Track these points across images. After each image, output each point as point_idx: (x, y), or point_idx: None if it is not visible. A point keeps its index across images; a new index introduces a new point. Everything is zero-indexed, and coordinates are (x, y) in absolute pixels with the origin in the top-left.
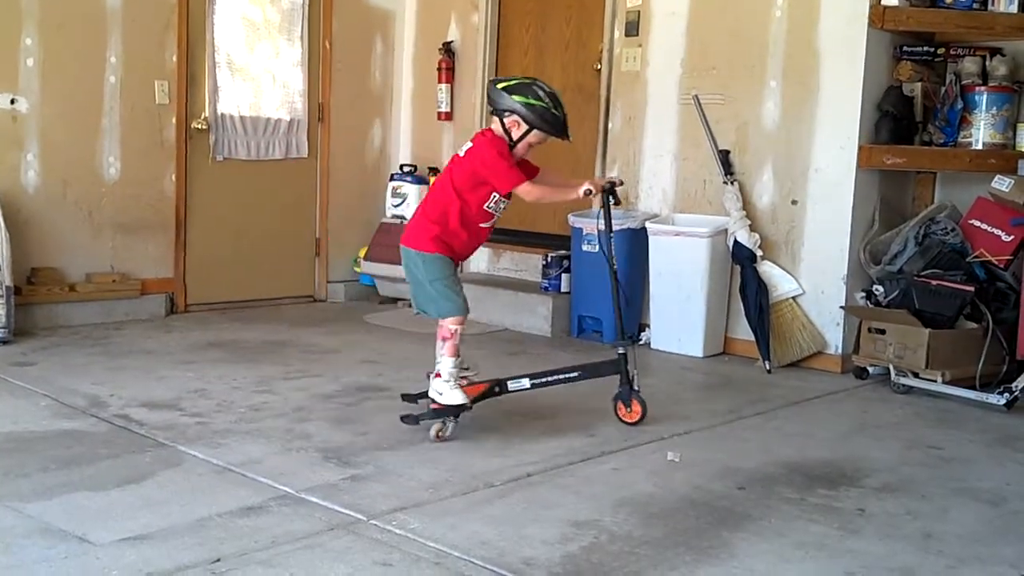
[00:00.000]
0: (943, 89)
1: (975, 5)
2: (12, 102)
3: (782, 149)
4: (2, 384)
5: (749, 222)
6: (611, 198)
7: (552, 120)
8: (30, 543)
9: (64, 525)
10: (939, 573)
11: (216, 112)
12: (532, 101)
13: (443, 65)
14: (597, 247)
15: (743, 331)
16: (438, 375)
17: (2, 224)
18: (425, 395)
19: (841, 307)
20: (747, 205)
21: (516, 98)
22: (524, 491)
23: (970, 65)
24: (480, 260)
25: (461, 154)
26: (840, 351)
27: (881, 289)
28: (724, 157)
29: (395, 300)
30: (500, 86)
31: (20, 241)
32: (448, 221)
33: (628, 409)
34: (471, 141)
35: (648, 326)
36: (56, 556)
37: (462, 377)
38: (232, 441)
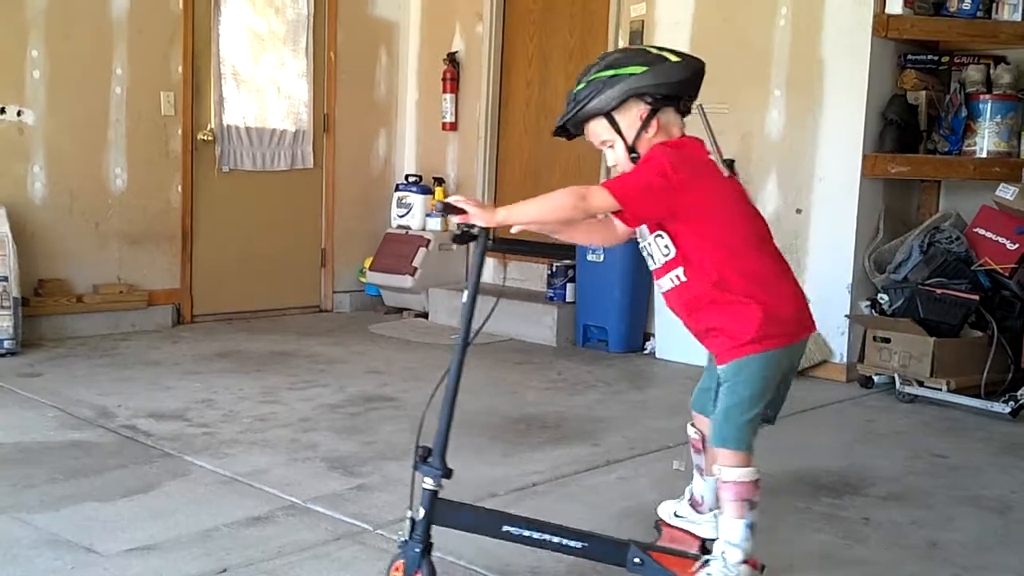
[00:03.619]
0: (947, 97)
1: (979, 14)
2: (19, 114)
3: (786, 158)
4: (10, 395)
5: None
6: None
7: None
8: (37, 554)
9: (71, 536)
10: None
11: (222, 123)
12: None
13: (447, 75)
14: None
15: None
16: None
17: (9, 235)
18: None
19: (846, 316)
20: None
21: None
22: (529, 500)
23: (974, 73)
24: (486, 270)
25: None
26: (845, 360)
27: (886, 298)
28: (729, 166)
29: (400, 310)
30: None
31: (27, 252)
32: None
33: None
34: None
35: (653, 335)
36: (63, 567)
37: None
38: (238, 451)
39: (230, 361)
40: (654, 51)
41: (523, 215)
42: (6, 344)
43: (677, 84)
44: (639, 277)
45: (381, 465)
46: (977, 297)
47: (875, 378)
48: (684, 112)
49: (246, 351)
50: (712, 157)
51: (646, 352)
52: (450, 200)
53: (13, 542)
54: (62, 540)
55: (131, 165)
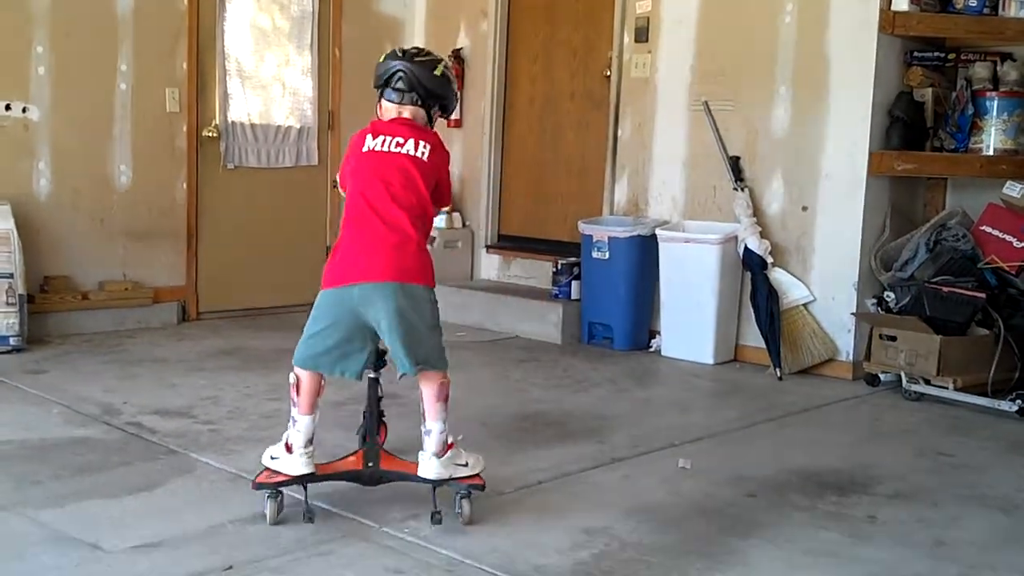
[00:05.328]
0: (954, 95)
1: (985, 10)
2: (24, 110)
3: (792, 155)
4: (15, 392)
5: (759, 229)
6: None
7: None
8: (42, 551)
9: (76, 533)
10: None
11: (227, 120)
12: None
13: (453, 72)
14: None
15: (754, 338)
16: (451, 446)
17: (15, 232)
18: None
19: (852, 314)
20: (757, 212)
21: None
22: (535, 498)
23: (981, 70)
24: (490, 267)
25: (416, 153)
26: (851, 358)
27: (892, 296)
28: (734, 163)
29: None
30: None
31: (32, 249)
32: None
33: None
34: (425, 141)
35: (659, 333)
36: (68, 564)
37: None
38: (244, 448)
39: (235, 358)
40: (397, 52)
41: None
42: (12, 341)
43: (376, 77)
44: (644, 275)
45: None
46: (984, 295)
47: (881, 376)
48: (399, 100)
49: (251, 348)
50: (367, 137)
51: (651, 350)
52: None
53: (19, 538)
54: (67, 537)
55: (136, 162)
